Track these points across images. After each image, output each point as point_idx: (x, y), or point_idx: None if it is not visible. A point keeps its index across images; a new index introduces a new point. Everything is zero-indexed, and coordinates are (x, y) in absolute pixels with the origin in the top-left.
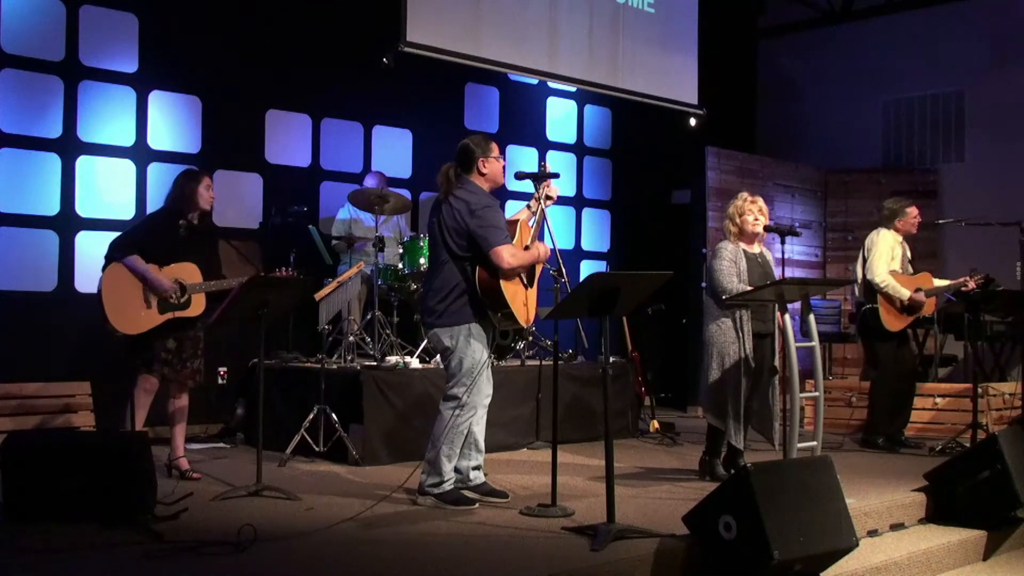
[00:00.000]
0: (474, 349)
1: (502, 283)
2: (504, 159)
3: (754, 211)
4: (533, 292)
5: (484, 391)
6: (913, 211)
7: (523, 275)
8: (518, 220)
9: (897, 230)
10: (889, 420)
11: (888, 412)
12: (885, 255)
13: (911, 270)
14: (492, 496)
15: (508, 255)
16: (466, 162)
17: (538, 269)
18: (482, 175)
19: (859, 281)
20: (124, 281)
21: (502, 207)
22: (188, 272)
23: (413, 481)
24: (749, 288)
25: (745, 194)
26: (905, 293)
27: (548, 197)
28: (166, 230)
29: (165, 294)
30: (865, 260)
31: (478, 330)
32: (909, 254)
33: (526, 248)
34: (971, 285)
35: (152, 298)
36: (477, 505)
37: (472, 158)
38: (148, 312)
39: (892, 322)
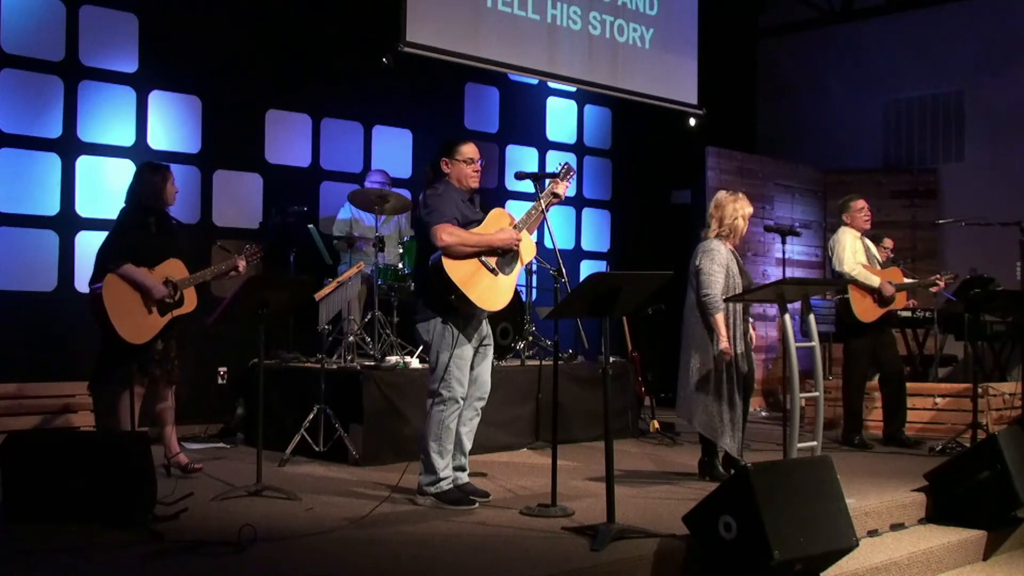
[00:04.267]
0: (447, 343)
1: (446, 263)
2: (481, 159)
3: (747, 215)
4: (507, 280)
5: (474, 390)
6: (858, 204)
7: (486, 260)
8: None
9: (850, 225)
10: (886, 421)
11: (857, 412)
12: (849, 247)
13: (880, 266)
14: (475, 495)
15: (444, 233)
16: (435, 163)
17: (520, 261)
18: (445, 175)
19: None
20: (123, 292)
21: (502, 207)
22: (175, 269)
23: (406, 480)
24: (723, 307)
25: (740, 195)
26: (875, 280)
27: (555, 195)
28: (142, 229)
29: (161, 298)
30: (831, 259)
31: (451, 323)
32: (877, 252)
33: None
34: (941, 285)
35: (152, 303)
36: (477, 505)
37: (437, 159)
38: (151, 317)
39: (864, 311)
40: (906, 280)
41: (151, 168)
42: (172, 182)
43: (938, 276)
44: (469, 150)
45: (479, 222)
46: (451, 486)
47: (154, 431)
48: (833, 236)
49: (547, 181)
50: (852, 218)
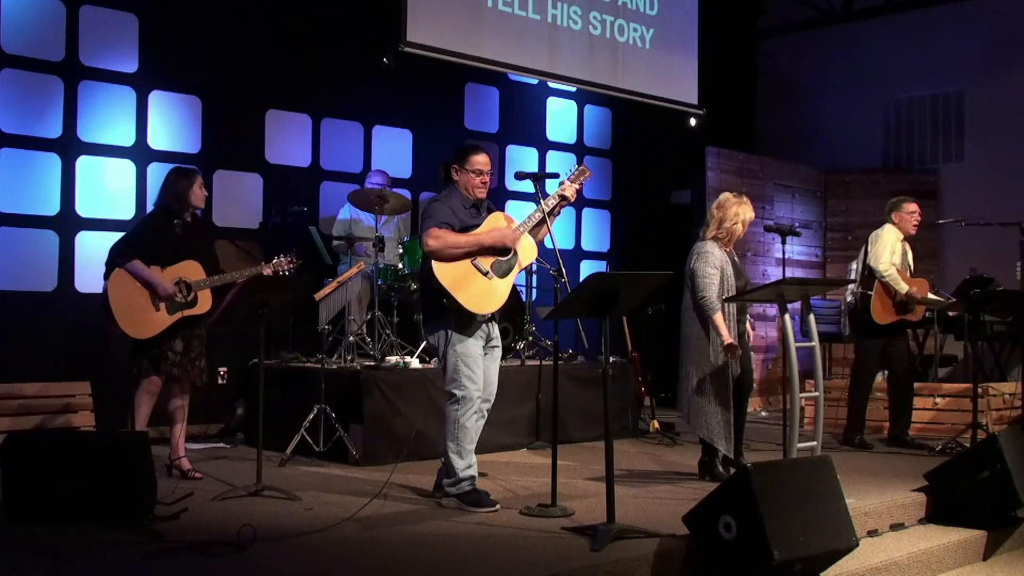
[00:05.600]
0: (453, 344)
1: (435, 266)
2: (489, 166)
3: (747, 221)
4: (501, 283)
5: (486, 388)
6: (911, 206)
7: (479, 263)
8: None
9: (896, 226)
10: (893, 419)
11: (861, 412)
12: (889, 246)
13: (910, 274)
14: None
15: (430, 238)
16: (447, 166)
17: (518, 264)
18: (454, 181)
19: (858, 272)
20: (130, 286)
21: (502, 207)
22: (191, 270)
23: (401, 479)
24: (719, 308)
25: (744, 198)
26: (904, 287)
27: (563, 197)
28: (163, 230)
29: (168, 298)
30: (868, 253)
31: (456, 326)
32: (911, 259)
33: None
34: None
35: (160, 300)
36: (498, 507)
37: (448, 166)
38: (158, 314)
39: (881, 314)
40: (930, 295)
41: (178, 173)
42: (199, 185)
43: (955, 302)
44: (479, 161)
45: (477, 227)
46: (472, 487)
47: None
48: (875, 232)
49: (546, 181)
50: (901, 219)
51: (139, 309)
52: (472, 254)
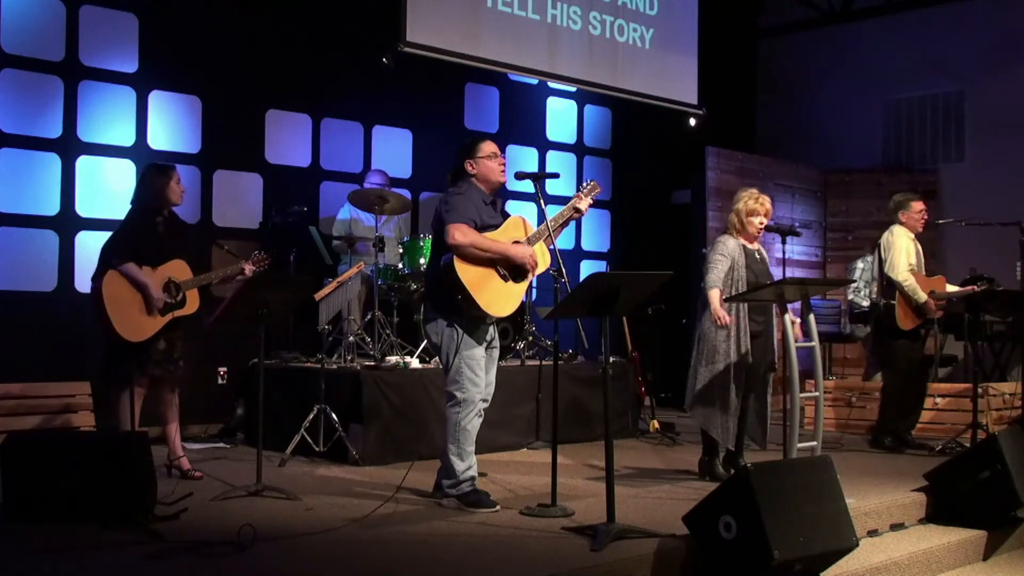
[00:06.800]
0: (454, 344)
1: (457, 263)
2: (503, 156)
3: (761, 213)
4: (518, 287)
5: (482, 388)
6: (918, 205)
7: (499, 266)
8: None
9: (904, 225)
10: (901, 419)
11: (899, 412)
12: (904, 251)
13: (924, 271)
14: None
15: (458, 232)
16: (458, 167)
17: (533, 270)
18: (472, 176)
19: (875, 279)
20: (124, 289)
21: (502, 207)
22: (178, 269)
23: (408, 480)
24: (720, 290)
25: (754, 192)
26: (922, 296)
27: (577, 209)
28: (147, 229)
29: (157, 304)
30: (883, 260)
31: (457, 325)
32: (922, 258)
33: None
34: None
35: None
36: (498, 508)
37: (461, 163)
38: (152, 316)
39: (905, 320)
40: (949, 288)
41: (156, 170)
42: (177, 181)
43: (973, 288)
44: (490, 146)
45: (497, 227)
46: (472, 488)
47: (155, 431)
48: (885, 236)
49: (546, 181)
50: (909, 218)
51: (133, 311)
52: (494, 262)
